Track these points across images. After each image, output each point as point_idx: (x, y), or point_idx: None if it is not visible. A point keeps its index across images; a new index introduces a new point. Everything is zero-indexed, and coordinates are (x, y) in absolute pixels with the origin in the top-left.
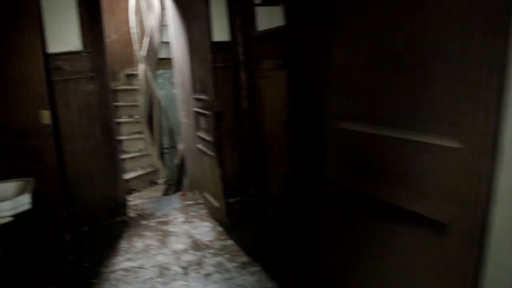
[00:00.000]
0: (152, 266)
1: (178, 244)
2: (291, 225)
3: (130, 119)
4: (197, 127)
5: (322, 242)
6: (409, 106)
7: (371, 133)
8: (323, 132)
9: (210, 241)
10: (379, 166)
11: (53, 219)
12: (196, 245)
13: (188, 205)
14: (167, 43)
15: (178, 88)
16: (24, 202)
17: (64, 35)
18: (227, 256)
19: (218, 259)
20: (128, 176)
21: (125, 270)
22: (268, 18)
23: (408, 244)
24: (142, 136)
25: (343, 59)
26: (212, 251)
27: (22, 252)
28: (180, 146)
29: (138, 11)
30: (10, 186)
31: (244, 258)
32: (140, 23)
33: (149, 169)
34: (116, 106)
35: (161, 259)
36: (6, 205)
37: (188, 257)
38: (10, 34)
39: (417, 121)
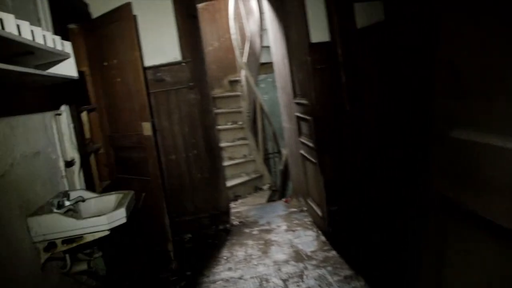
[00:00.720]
0: (252, 277)
1: (279, 254)
2: (392, 236)
3: (234, 125)
4: (299, 132)
5: (427, 260)
6: None
7: (489, 144)
8: (426, 139)
9: (312, 251)
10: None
11: (156, 227)
12: (298, 256)
13: (292, 213)
14: (268, 47)
15: (279, 92)
16: (120, 216)
17: (163, 47)
18: (329, 268)
19: (320, 271)
20: (233, 182)
21: (225, 280)
22: (366, 15)
23: None
24: (246, 142)
25: (452, 55)
26: (314, 262)
27: (126, 261)
28: (284, 151)
29: (238, 17)
30: (111, 198)
31: (348, 272)
32: (241, 29)
33: (254, 175)
34: (218, 113)
35: (261, 270)
36: (102, 220)
37: (289, 269)
38: (114, 52)
39: None
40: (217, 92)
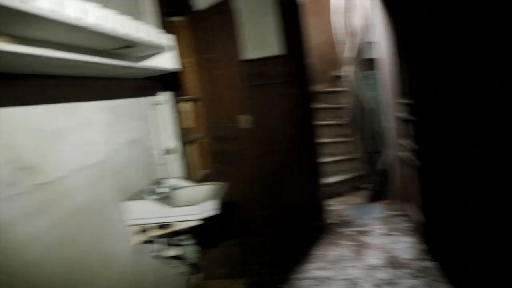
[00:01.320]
0: (342, 279)
1: (373, 258)
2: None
3: (336, 122)
4: (401, 133)
5: None
6: None
7: None
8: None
9: (409, 259)
10: None
11: (249, 220)
12: (393, 262)
13: (390, 216)
14: (374, 43)
15: (383, 90)
16: (211, 207)
17: (264, 40)
18: (425, 279)
19: (415, 282)
20: (331, 179)
21: (314, 279)
22: None
23: None
24: (347, 139)
25: None
26: (409, 271)
27: (217, 250)
28: (386, 151)
29: (343, 11)
30: (204, 189)
31: (445, 286)
32: (346, 23)
33: (354, 174)
34: (320, 109)
35: (352, 272)
36: (193, 210)
37: (381, 275)
38: (216, 44)
39: None
40: (319, 87)
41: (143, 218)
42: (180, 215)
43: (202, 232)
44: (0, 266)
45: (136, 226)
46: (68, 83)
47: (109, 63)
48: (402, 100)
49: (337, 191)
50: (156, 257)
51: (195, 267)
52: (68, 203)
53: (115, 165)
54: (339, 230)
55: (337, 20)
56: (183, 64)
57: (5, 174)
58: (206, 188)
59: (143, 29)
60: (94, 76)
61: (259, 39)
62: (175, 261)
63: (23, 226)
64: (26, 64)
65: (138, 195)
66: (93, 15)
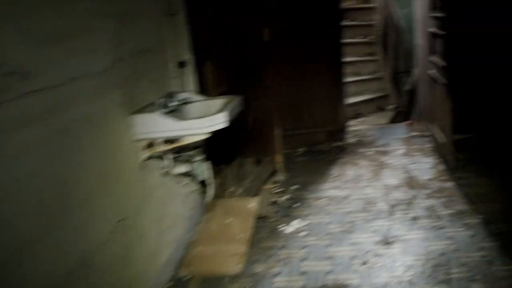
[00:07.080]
0: (358, 199)
1: (391, 178)
2: None
3: (364, 40)
4: (431, 50)
5: None
6: None
7: None
8: None
9: (427, 180)
10: None
11: (266, 137)
12: (411, 183)
13: (413, 137)
14: None
15: (416, 5)
16: (220, 120)
17: None
18: (442, 200)
19: (431, 202)
20: (355, 99)
21: (330, 198)
22: None
23: None
24: (375, 58)
25: None
26: (426, 191)
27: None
28: (415, 71)
29: None
30: (218, 102)
31: (462, 206)
32: None
33: (379, 94)
34: (348, 26)
35: (369, 192)
36: (202, 122)
37: (398, 195)
38: None
39: None
40: (349, 3)
41: (150, 132)
42: (188, 129)
43: (213, 148)
44: None
45: (143, 140)
46: None
47: None
48: (435, 14)
49: (360, 111)
50: (165, 174)
51: (206, 185)
52: (66, 114)
53: (121, 75)
54: (359, 150)
55: None
56: None
57: None
58: (218, 102)
59: None
60: None
61: None
62: (185, 179)
63: (11, 139)
64: None
65: (147, 108)
66: None
